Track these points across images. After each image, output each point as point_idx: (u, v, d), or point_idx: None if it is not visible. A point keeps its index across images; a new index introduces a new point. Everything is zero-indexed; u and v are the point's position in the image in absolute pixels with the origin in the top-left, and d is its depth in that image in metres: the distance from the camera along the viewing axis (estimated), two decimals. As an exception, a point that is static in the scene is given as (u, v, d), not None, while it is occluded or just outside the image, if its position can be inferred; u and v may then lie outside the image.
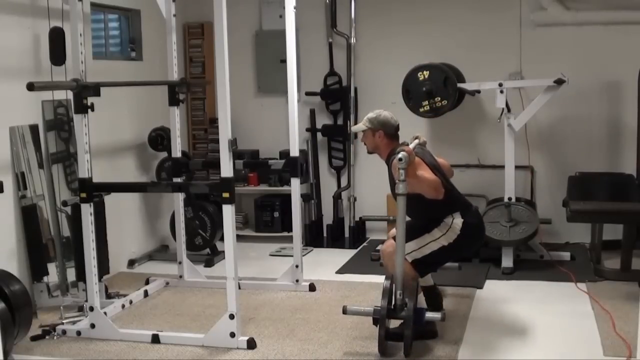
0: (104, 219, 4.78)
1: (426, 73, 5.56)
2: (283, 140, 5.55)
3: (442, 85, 5.54)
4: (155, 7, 5.11)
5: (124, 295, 4.88)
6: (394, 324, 3.93)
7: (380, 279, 3.99)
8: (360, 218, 6.62)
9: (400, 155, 3.58)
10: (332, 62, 6.50)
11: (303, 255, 5.25)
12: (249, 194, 6.76)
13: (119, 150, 5.75)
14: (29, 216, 4.67)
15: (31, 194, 4.70)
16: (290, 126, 4.95)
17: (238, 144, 6.50)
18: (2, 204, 4.45)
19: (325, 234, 6.64)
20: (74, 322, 4.34)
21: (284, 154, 5.62)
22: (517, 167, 5.56)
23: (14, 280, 4.03)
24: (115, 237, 5.26)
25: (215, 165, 4.02)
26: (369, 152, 4.23)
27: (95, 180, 4.24)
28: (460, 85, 5.58)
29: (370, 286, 4.98)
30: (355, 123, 6.10)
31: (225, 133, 3.88)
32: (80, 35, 4.11)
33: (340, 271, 5.57)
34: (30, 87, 3.77)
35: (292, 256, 5.12)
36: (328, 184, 6.73)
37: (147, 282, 5.24)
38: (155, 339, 4.10)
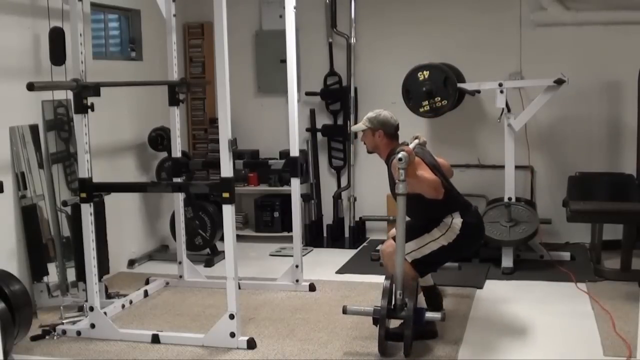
0: (104, 219, 4.78)
1: (426, 73, 5.56)
2: (283, 140, 5.55)
3: (442, 85, 5.54)
4: (155, 7, 5.11)
5: (124, 295, 4.88)
6: (394, 324, 3.93)
7: (380, 279, 3.98)
8: (360, 218, 6.62)
9: (400, 155, 3.58)
10: (332, 62, 6.50)
11: (303, 255, 5.25)
12: (249, 194, 6.76)
13: (119, 150, 5.75)
14: (29, 216, 4.67)
15: (31, 194, 4.70)
16: (290, 126, 4.95)
17: (238, 144, 6.50)
18: (2, 204, 4.45)
19: (325, 234, 6.65)
20: (74, 322, 4.34)
21: (284, 154, 5.62)
22: (517, 167, 5.56)
23: (14, 280, 4.03)
24: (115, 237, 5.26)
25: (215, 165, 4.02)
26: (369, 152, 4.23)
27: (95, 180, 4.24)
28: (460, 85, 5.58)
29: (370, 286, 4.98)
30: (355, 123, 6.09)
31: (225, 133, 3.88)
32: (80, 35, 4.11)
33: (340, 271, 5.57)
34: (30, 87, 3.77)
35: (292, 256, 5.12)
36: (328, 184, 6.73)
37: (147, 282, 5.24)
38: (155, 339, 4.10)
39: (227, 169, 3.88)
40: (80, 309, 4.54)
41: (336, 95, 6.55)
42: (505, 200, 5.46)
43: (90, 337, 4.18)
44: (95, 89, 4.10)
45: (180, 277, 5.24)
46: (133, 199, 5.91)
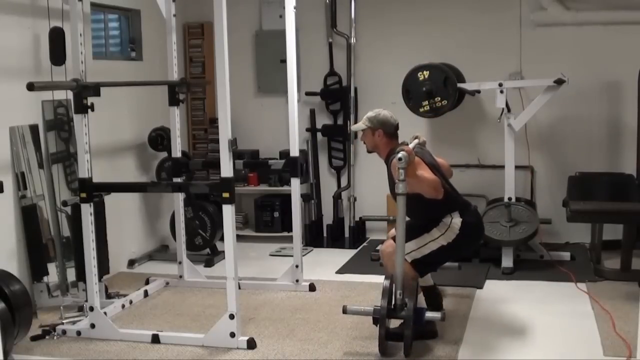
0: (104, 219, 4.78)
1: (426, 73, 5.56)
2: (283, 140, 5.55)
3: (442, 85, 5.54)
4: (155, 7, 5.11)
5: (124, 295, 4.88)
6: (394, 324, 3.93)
7: (380, 279, 3.98)
8: (360, 218, 6.62)
9: (400, 155, 3.58)
10: (332, 62, 6.50)
11: (303, 255, 5.25)
12: (249, 194, 6.76)
13: (119, 150, 5.75)
14: (29, 216, 4.67)
15: (31, 194, 4.70)
16: (290, 126, 4.95)
17: (238, 144, 6.50)
18: (2, 204, 4.45)
19: (325, 234, 6.65)
20: (74, 322, 4.34)
21: (284, 154, 5.62)
22: (517, 167, 5.56)
23: (14, 280, 4.03)
24: (115, 237, 5.26)
25: (215, 165, 4.02)
26: (369, 151, 4.23)
27: (95, 180, 4.24)
28: (460, 85, 5.58)
29: (370, 286, 4.98)
30: (356, 123, 6.09)
31: (225, 133, 3.88)
32: (80, 35, 4.11)
33: (340, 271, 5.57)
34: (30, 87, 3.77)
35: (292, 256, 5.12)
36: (328, 184, 6.73)
37: (147, 282, 5.24)
38: (155, 339, 4.10)
39: (227, 169, 3.88)
40: (80, 309, 4.54)
41: (336, 95, 6.55)
42: (505, 200, 5.46)
43: (90, 337, 4.18)
44: (95, 89, 4.10)
45: (180, 277, 5.24)
46: (133, 199, 5.91)
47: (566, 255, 5.62)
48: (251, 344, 3.99)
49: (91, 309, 4.21)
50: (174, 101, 5.09)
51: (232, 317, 3.96)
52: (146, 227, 6.12)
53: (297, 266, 5.04)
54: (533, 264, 5.51)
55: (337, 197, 6.63)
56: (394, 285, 3.77)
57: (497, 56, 6.08)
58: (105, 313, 4.30)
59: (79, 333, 4.22)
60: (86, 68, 4.13)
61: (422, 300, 4.04)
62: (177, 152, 5.16)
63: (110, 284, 5.04)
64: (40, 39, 4.74)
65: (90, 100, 4.11)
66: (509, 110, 5.47)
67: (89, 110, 4.12)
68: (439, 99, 5.55)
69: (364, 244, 6.42)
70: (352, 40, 6.42)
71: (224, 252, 4.40)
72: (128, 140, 5.86)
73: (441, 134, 6.21)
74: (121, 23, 6.01)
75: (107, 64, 5.59)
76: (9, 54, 4.55)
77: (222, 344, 3.99)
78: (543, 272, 5.31)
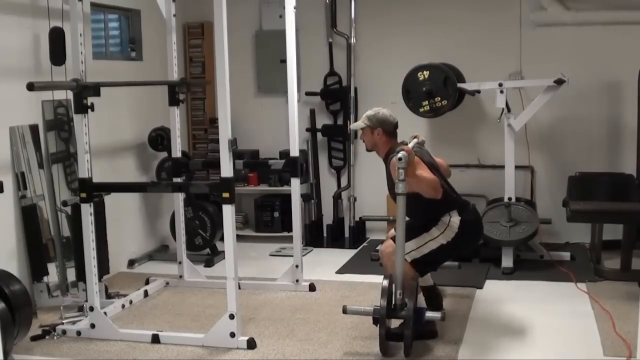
0: (104, 219, 4.78)
1: (426, 73, 5.56)
2: (283, 140, 5.55)
3: (442, 85, 5.54)
4: (155, 7, 5.11)
5: (124, 295, 4.88)
6: (394, 324, 3.93)
7: (380, 279, 3.98)
8: (360, 218, 6.61)
9: (400, 155, 3.58)
10: (332, 62, 6.50)
11: (303, 255, 5.25)
12: (249, 194, 6.76)
13: (119, 150, 5.75)
14: (29, 216, 4.67)
15: (31, 194, 4.70)
16: (290, 126, 4.95)
17: (238, 144, 6.50)
18: (2, 204, 4.45)
19: (325, 234, 6.64)
20: (74, 322, 4.34)
21: (284, 154, 5.62)
22: (517, 167, 5.56)
23: (14, 280, 4.03)
24: (115, 237, 5.26)
25: (215, 165, 4.02)
26: (368, 150, 4.23)
27: (95, 180, 4.24)
28: (460, 85, 5.58)
29: (370, 286, 4.98)
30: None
31: (225, 133, 3.88)
32: (80, 35, 4.11)
33: (340, 271, 5.57)
34: (30, 87, 3.78)
35: (292, 256, 5.12)
36: (328, 184, 6.73)
37: (147, 282, 5.24)
38: (155, 339, 4.10)
39: (227, 169, 3.88)
40: (80, 309, 4.54)
41: (336, 95, 6.55)
42: (505, 200, 5.46)
43: (90, 337, 4.18)
44: (95, 89, 4.10)
45: (180, 277, 5.24)
46: (133, 199, 5.92)
47: (566, 255, 5.62)
48: (251, 344, 3.99)
49: (91, 309, 4.21)
50: (174, 101, 5.09)
51: (232, 317, 3.96)
52: (146, 227, 6.12)
53: (297, 266, 5.04)
54: (533, 264, 5.51)
55: (337, 197, 6.63)
56: (393, 285, 3.77)
57: (497, 56, 6.08)
58: (105, 313, 4.30)
59: (79, 333, 4.22)
60: (86, 68, 4.13)
61: (422, 300, 4.04)
62: (177, 152, 5.16)
63: (110, 284, 5.04)
64: (40, 39, 4.74)
65: (90, 100, 4.11)
66: (509, 110, 5.47)
67: (89, 110, 4.12)
68: (439, 99, 5.55)
69: (364, 244, 6.42)
70: (352, 40, 6.42)
71: (224, 252, 4.40)
72: (128, 140, 5.86)
73: (441, 134, 6.21)
74: (121, 23, 6.01)
75: (107, 64, 5.59)
76: (9, 54, 4.55)
77: (222, 344, 3.99)
78: (543, 272, 5.31)
